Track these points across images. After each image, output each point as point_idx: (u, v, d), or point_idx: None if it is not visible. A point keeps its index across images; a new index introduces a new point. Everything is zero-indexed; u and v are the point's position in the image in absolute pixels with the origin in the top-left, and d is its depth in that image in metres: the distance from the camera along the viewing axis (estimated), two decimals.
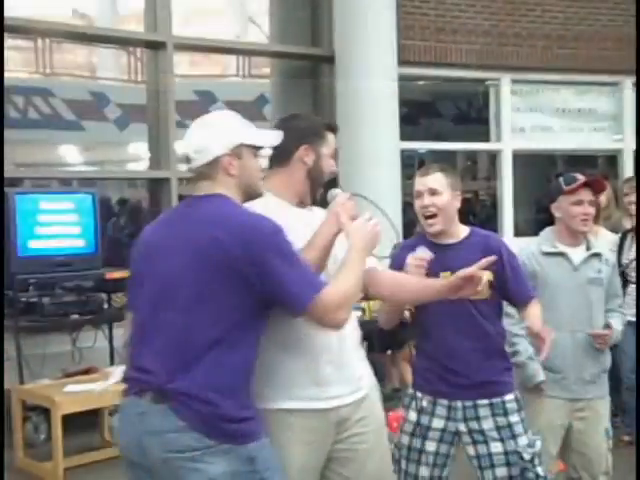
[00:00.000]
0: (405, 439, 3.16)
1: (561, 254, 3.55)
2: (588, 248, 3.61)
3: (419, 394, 3.17)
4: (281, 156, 2.65)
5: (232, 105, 14.08)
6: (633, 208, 5.27)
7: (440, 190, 3.06)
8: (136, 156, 13.60)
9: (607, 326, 3.61)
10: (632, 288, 5.25)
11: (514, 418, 3.12)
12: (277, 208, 2.56)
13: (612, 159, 10.24)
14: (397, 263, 3.02)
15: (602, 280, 3.60)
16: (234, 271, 2.22)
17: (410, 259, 2.88)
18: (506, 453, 3.08)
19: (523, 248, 3.68)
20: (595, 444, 3.55)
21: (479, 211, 13.19)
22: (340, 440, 2.64)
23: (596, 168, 15.32)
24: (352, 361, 2.67)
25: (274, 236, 2.27)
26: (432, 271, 2.90)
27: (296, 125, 2.69)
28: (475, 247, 3.05)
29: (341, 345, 2.61)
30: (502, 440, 3.09)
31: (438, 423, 3.12)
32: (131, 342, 2.39)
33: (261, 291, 2.25)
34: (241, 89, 14.53)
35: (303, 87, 8.70)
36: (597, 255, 3.61)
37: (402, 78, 8.14)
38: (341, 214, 2.50)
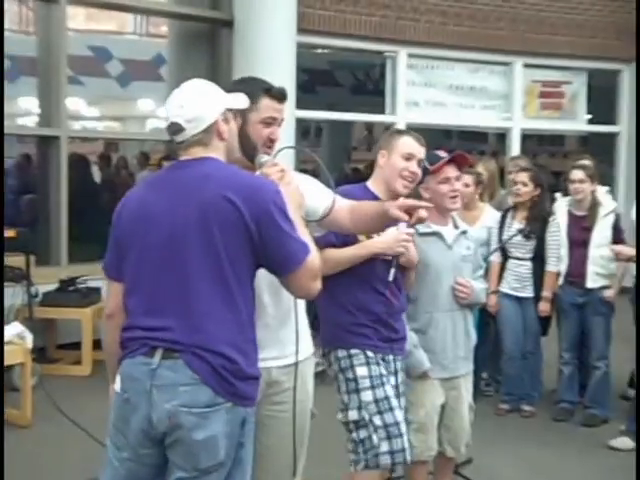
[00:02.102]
0: (367, 396, 3.15)
1: (435, 233, 3.57)
2: (456, 227, 3.65)
3: (355, 350, 3.20)
4: None
5: (128, 63, 13.77)
6: (518, 188, 5.44)
7: None
8: (26, 111, 13.11)
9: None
10: (512, 263, 5.48)
11: None
12: None
13: (502, 137, 10.55)
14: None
15: (471, 257, 3.67)
16: (240, 228, 2.29)
17: (405, 235, 3.11)
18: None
19: None
20: (462, 419, 3.66)
21: None
22: (268, 402, 2.67)
23: (487, 144, 15.80)
24: (287, 327, 2.68)
25: (277, 195, 2.37)
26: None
27: (235, 89, 2.66)
28: None
29: (277, 310, 2.65)
30: (404, 395, 3.33)
31: (385, 369, 3.22)
32: (130, 306, 2.39)
33: (260, 246, 2.31)
34: (138, 47, 14.20)
35: (201, 49, 8.58)
36: (464, 232, 3.67)
37: (301, 46, 8.15)
38: None
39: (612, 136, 10.31)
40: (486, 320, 5.60)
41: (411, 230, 3.14)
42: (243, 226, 2.29)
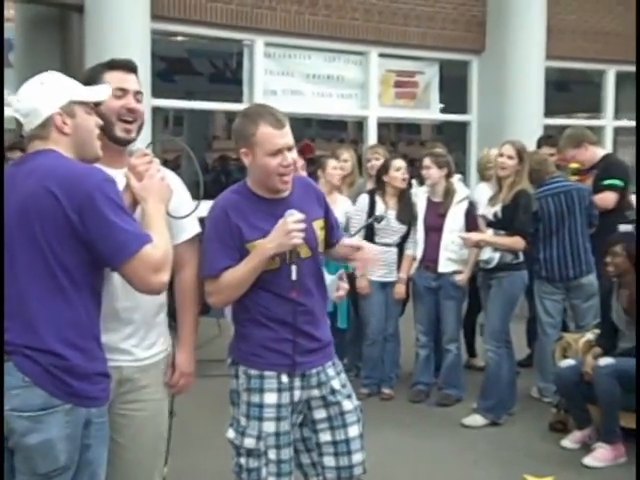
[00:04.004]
0: (270, 426, 2.86)
1: None
2: None
3: (269, 373, 2.88)
4: None
5: None
6: (404, 173, 5.58)
7: None
8: None
9: (340, 279, 3.50)
10: (379, 250, 5.51)
11: (344, 374, 3.10)
12: None
13: (360, 125, 10.73)
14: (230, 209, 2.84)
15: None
16: (61, 220, 2.18)
17: (292, 224, 2.75)
18: (355, 409, 3.01)
19: None
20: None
21: (234, 171, 13.36)
22: (121, 401, 2.57)
23: (346, 133, 16.06)
24: (141, 329, 2.61)
25: (103, 183, 2.24)
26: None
27: (84, 75, 2.60)
28: (303, 193, 2.96)
29: (132, 314, 2.56)
30: (349, 397, 3.01)
31: (299, 395, 2.92)
32: None
33: (86, 238, 2.19)
34: None
35: (51, 35, 8.27)
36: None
37: (156, 33, 7.99)
38: (130, 177, 2.45)
39: (464, 125, 10.67)
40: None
41: (300, 215, 2.79)
42: (63, 218, 2.19)
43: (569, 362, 4.86)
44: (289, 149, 2.82)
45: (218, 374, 4.85)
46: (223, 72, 12.19)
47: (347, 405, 2.98)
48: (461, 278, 5.50)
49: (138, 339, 2.62)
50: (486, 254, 5.17)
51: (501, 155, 5.19)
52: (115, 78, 2.61)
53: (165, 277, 2.28)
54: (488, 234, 5.26)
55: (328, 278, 3.66)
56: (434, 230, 5.54)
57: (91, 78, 2.58)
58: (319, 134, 15.36)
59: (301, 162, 3.44)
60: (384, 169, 5.71)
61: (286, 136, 2.82)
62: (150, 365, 2.64)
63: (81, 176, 2.24)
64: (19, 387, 2.17)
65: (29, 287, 2.21)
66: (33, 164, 2.29)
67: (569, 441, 4.77)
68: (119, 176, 2.51)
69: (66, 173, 2.24)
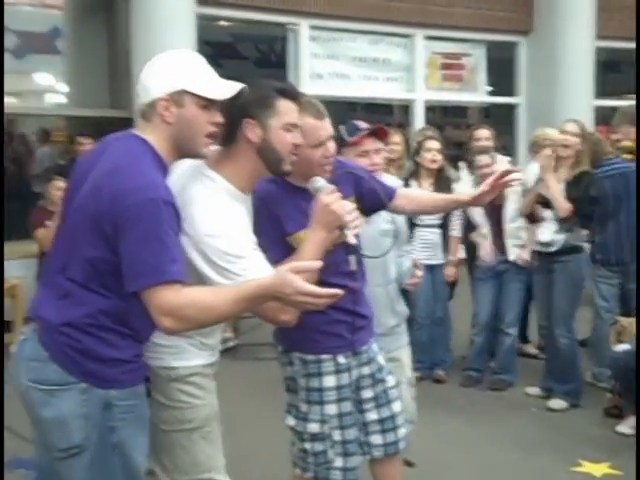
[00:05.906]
0: (331, 409, 2.87)
1: None
2: None
3: (326, 356, 2.88)
4: (226, 133, 2.37)
5: (24, 36, 13.26)
6: (434, 154, 5.49)
7: None
8: None
9: (415, 267, 3.53)
10: (422, 231, 5.53)
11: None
12: (212, 194, 2.33)
13: (406, 108, 10.64)
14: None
15: (393, 231, 3.40)
16: (95, 222, 2.12)
17: (349, 216, 2.47)
18: (396, 385, 3.06)
19: None
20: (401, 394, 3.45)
21: None
22: None
23: (392, 116, 15.93)
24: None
25: (149, 203, 2.07)
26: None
27: (242, 94, 2.30)
28: (336, 178, 2.76)
29: None
30: (391, 372, 3.07)
31: (355, 374, 2.94)
32: None
33: (117, 250, 2.12)
34: (33, 19, 13.69)
35: (98, 21, 8.34)
36: None
37: (201, 18, 8.00)
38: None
39: (511, 107, 10.53)
40: None
41: (330, 186, 2.54)
42: (97, 221, 2.12)
43: (624, 346, 4.77)
44: (330, 139, 2.72)
45: (268, 357, 4.88)
46: (269, 56, 12.17)
47: (390, 381, 3.05)
48: (525, 257, 5.38)
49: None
50: (547, 236, 5.06)
51: (564, 132, 5.02)
52: (291, 108, 2.42)
53: (168, 323, 2.10)
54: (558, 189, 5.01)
55: (405, 265, 3.61)
56: (494, 217, 5.43)
57: (258, 97, 2.38)
58: (365, 118, 15.25)
59: (375, 146, 3.30)
60: (418, 150, 5.64)
61: (328, 126, 2.71)
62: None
63: (132, 189, 2.08)
64: (38, 360, 2.19)
65: (70, 265, 2.19)
66: (116, 150, 2.21)
67: (624, 426, 4.69)
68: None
69: (123, 181, 2.11)
